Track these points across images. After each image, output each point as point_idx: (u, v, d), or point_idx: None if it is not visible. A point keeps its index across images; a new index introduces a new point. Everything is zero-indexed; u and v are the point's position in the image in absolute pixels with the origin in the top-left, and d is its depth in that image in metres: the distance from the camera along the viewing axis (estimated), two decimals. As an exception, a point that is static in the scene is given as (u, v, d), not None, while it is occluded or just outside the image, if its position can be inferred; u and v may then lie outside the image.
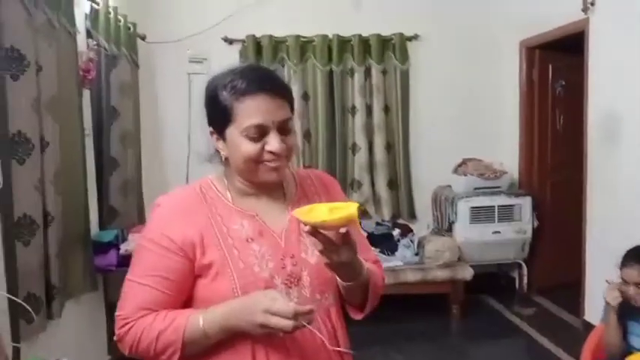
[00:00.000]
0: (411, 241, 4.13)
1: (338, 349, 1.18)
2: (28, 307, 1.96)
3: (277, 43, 4.36)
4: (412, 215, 4.63)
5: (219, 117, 1.13)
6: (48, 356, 2.14)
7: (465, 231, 4.22)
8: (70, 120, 2.61)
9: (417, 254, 4.03)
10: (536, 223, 4.32)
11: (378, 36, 4.42)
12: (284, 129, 1.12)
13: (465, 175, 4.36)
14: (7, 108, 2.00)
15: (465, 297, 4.01)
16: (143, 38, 3.93)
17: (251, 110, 1.09)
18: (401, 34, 4.45)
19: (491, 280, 4.57)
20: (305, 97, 4.40)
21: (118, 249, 2.93)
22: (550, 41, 4.08)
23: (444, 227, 4.36)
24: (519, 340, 3.74)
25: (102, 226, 3.15)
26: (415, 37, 4.52)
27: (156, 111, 4.31)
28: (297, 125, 4.15)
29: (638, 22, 3.10)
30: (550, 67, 4.41)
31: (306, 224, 1.02)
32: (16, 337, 2.00)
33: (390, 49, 4.48)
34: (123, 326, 1.11)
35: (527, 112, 4.44)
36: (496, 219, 4.25)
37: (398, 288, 3.74)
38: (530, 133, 4.45)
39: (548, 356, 3.43)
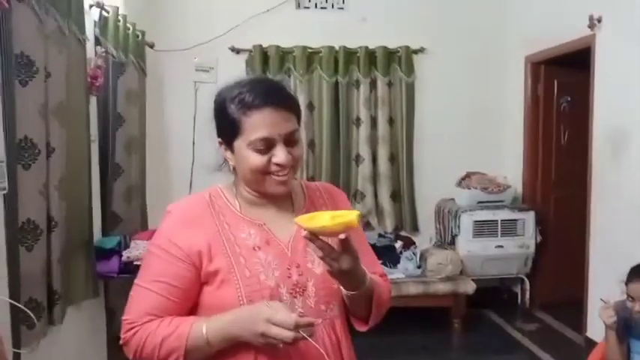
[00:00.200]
0: (413, 253, 4.12)
1: None
2: (29, 313, 1.95)
3: (284, 54, 4.38)
4: (415, 228, 4.62)
5: (227, 129, 1.15)
6: (48, 362, 2.13)
7: (468, 245, 4.21)
8: (77, 126, 2.62)
9: (419, 267, 4.02)
10: (539, 238, 4.31)
11: (385, 48, 4.44)
12: (290, 140, 1.14)
13: (469, 188, 4.35)
14: (15, 113, 2.01)
15: (467, 311, 3.99)
16: (151, 46, 3.96)
17: (258, 124, 1.11)
18: (407, 47, 4.47)
19: (494, 294, 4.55)
20: (310, 107, 4.41)
21: (121, 256, 2.92)
22: (556, 57, 4.09)
23: (447, 240, 4.35)
24: (521, 355, 3.71)
25: (105, 232, 3.15)
26: (421, 50, 4.54)
27: (162, 118, 4.34)
28: (302, 135, 4.15)
29: (645, 39, 3.12)
30: (555, 82, 4.42)
31: (305, 229, 1.03)
32: (17, 342, 2.00)
33: (395, 62, 4.50)
34: (128, 330, 1.13)
35: (531, 126, 4.44)
36: (499, 233, 4.24)
37: (399, 301, 3.72)
38: (535, 147, 4.45)
39: (550, 373, 3.42)
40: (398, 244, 4.22)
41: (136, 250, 2.95)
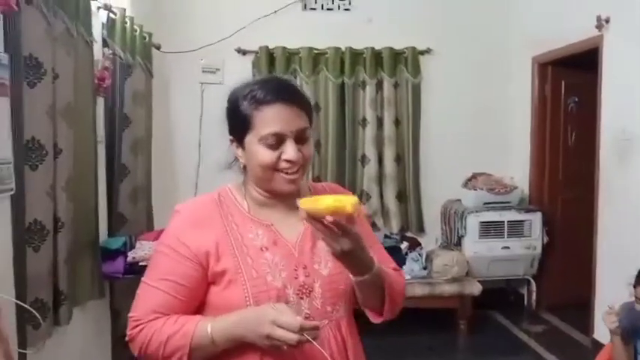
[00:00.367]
0: (419, 254, 4.11)
1: None
2: (35, 313, 1.96)
3: (290, 55, 4.39)
4: (421, 229, 4.61)
5: (239, 125, 1.16)
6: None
7: (474, 246, 4.20)
8: (84, 127, 2.63)
9: (425, 268, 4.01)
10: (546, 239, 4.29)
11: (391, 49, 4.43)
12: (301, 138, 1.15)
13: (475, 189, 4.34)
14: (23, 114, 2.02)
15: (473, 312, 3.98)
16: (158, 48, 3.98)
17: (269, 119, 1.12)
18: (413, 48, 4.47)
19: (500, 296, 4.53)
20: (316, 108, 4.41)
21: (126, 256, 2.93)
22: (563, 58, 4.07)
23: (453, 241, 4.34)
24: (527, 357, 3.69)
25: (110, 232, 3.16)
26: (427, 50, 4.53)
27: (168, 119, 4.35)
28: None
29: (652, 40, 3.10)
30: (563, 83, 4.40)
31: (306, 212, 1.02)
32: (22, 342, 2.01)
33: (402, 63, 4.49)
34: (134, 327, 1.14)
35: (538, 127, 4.42)
36: (506, 234, 4.22)
37: (405, 302, 3.67)
38: (542, 148, 4.43)
39: (557, 375, 3.40)
40: (404, 245, 4.22)
41: (141, 250, 2.96)
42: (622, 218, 3.41)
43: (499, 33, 4.58)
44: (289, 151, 1.12)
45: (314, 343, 1.04)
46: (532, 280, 4.44)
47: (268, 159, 1.13)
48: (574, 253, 4.19)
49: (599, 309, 3.61)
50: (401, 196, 4.55)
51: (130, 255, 2.93)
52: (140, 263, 2.84)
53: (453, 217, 4.36)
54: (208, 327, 1.09)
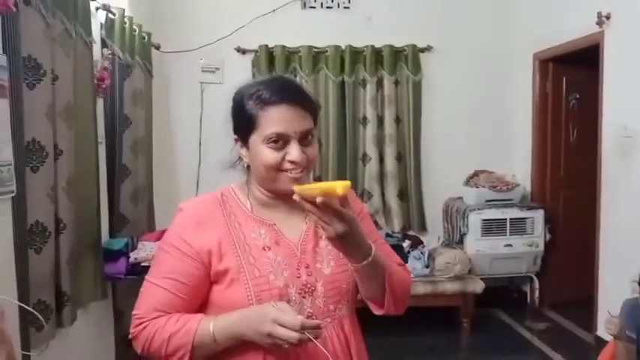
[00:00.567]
0: (421, 253, 4.11)
1: None
2: (38, 315, 1.96)
3: (290, 54, 4.38)
4: (423, 227, 4.60)
5: (244, 125, 1.16)
6: (57, 364, 2.14)
7: (476, 243, 4.19)
8: (85, 128, 2.62)
9: (427, 266, 4.01)
10: (548, 237, 4.28)
11: (391, 47, 4.42)
12: (305, 139, 1.15)
13: (477, 187, 4.33)
14: (23, 116, 2.01)
15: (476, 311, 3.97)
16: (157, 48, 3.97)
17: (274, 119, 1.12)
18: (413, 46, 4.45)
19: (503, 293, 4.52)
20: (316, 107, 4.40)
21: (128, 257, 2.93)
22: (564, 54, 4.06)
23: (455, 239, 4.33)
24: (531, 355, 3.69)
25: (112, 233, 3.15)
26: (428, 48, 4.52)
27: (168, 119, 4.35)
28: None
29: (654, 35, 3.09)
30: (564, 80, 4.39)
31: (299, 194, 1.04)
32: (26, 345, 2.00)
33: (402, 60, 4.48)
34: (138, 325, 1.15)
35: (540, 124, 4.42)
36: (508, 232, 4.22)
37: (409, 300, 3.70)
38: (543, 145, 4.42)
39: (560, 373, 3.40)
40: (406, 244, 4.21)
41: (143, 251, 2.96)
42: (624, 215, 3.41)
43: (500, 30, 4.56)
44: (293, 152, 1.12)
45: (315, 341, 1.04)
46: (535, 278, 4.44)
47: (272, 159, 1.13)
48: (576, 250, 4.19)
49: (602, 306, 3.61)
50: (402, 195, 4.54)
51: (132, 255, 2.93)
52: (142, 264, 2.83)
53: (454, 215, 4.36)
54: (210, 325, 1.10)
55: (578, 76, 4.32)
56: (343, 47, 4.39)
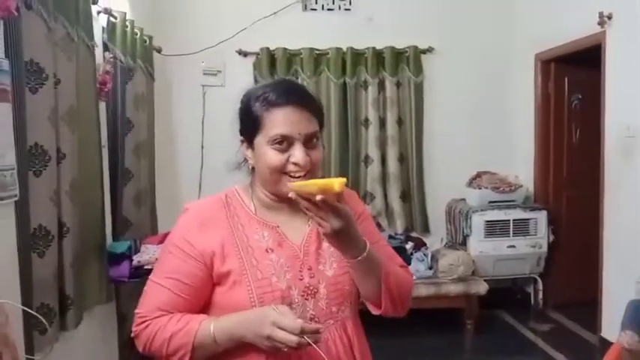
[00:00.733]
0: (424, 254, 4.10)
1: None
2: (41, 318, 1.96)
3: (291, 56, 4.38)
4: (426, 228, 4.59)
5: (249, 126, 1.17)
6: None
7: (480, 245, 4.18)
8: (88, 132, 2.63)
9: (430, 268, 4.00)
10: (551, 238, 4.27)
11: (392, 49, 4.42)
12: (310, 142, 1.16)
13: (480, 188, 4.33)
14: (25, 120, 2.02)
15: (480, 312, 3.96)
16: (159, 51, 3.98)
17: (278, 120, 1.13)
18: (415, 47, 4.45)
19: (506, 295, 4.51)
20: (318, 109, 4.40)
21: (131, 260, 2.93)
22: (566, 54, 4.06)
23: (458, 241, 4.32)
24: (535, 356, 3.67)
25: (115, 236, 3.16)
26: (429, 49, 4.52)
27: (170, 122, 4.35)
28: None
29: (656, 35, 3.08)
30: (566, 80, 4.38)
31: (295, 192, 1.05)
32: (30, 348, 2.00)
33: (403, 62, 4.48)
34: (140, 324, 1.16)
35: (542, 125, 4.41)
36: (511, 233, 4.21)
37: (411, 302, 3.69)
38: (546, 146, 4.41)
39: (565, 374, 3.38)
40: (409, 246, 4.20)
41: (146, 254, 2.96)
42: (628, 215, 3.39)
43: (501, 30, 4.56)
44: (297, 154, 1.13)
45: (314, 345, 1.04)
46: (538, 279, 4.42)
47: (276, 161, 1.13)
48: (580, 250, 4.18)
49: (606, 307, 3.60)
50: (405, 196, 4.54)
51: (135, 259, 2.93)
52: (145, 267, 2.83)
53: (457, 216, 4.35)
54: (211, 326, 1.11)
55: (580, 76, 4.31)
56: (344, 49, 4.39)
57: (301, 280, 1.17)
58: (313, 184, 1.05)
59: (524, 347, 3.80)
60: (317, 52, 4.39)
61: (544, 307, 4.42)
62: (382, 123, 4.48)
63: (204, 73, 4.36)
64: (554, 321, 4.21)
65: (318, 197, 1.02)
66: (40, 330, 2.06)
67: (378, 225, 4.40)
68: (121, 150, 3.24)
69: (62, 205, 2.28)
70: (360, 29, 4.44)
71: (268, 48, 4.33)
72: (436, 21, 4.53)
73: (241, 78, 4.20)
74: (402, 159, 4.53)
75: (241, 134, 1.21)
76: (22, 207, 2.00)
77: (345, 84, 4.42)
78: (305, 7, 4.46)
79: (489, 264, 4.19)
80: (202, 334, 1.10)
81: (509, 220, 4.20)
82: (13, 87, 1.92)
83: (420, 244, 4.28)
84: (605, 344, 3.17)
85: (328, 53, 4.39)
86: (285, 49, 4.35)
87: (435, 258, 4.04)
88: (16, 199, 1.95)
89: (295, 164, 1.13)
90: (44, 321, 1.99)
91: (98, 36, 2.94)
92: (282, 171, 1.14)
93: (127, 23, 3.23)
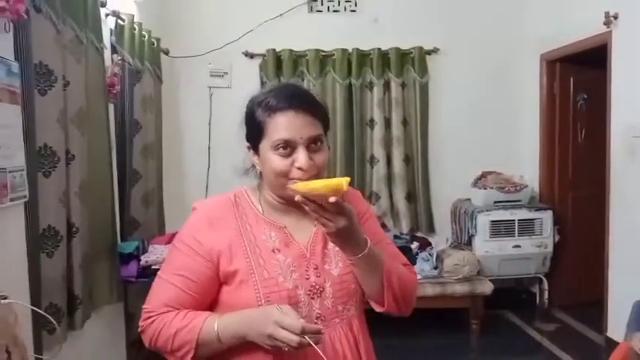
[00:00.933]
0: (429, 254, 4.11)
1: None
2: (50, 318, 1.98)
3: (297, 57, 4.40)
4: (431, 228, 4.60)
5: (254, 132, 1.19)
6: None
7: (485, 245, 4.19)
8: (97, 133, 2.65)
9: (435, 268, 4.01)
10: (557, 238, 4.26)
11: (398, 49, 4.43)
12: (314, 146, 1.16)
13: (485, 188, 4.33)
14: (35, 122, 2.04)
15: (485, 312, 3.96)
16: (167, 53, 4.01)
17: (280, 125, 1.14)
18: (420, 48, 4.46)
19: (512, 295, 4.51)
20: (324, 110, 4.41)
21: (139, 260, 2.96)
22: (571, 55, 4.05)
23: (464, 241, 4.33)
24: (540, 356, 3.67)
25: (123, 237, 3.19)
26: (435, 50, 4.52)
27: (177, 124, 4.38)
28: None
29: (662, 35, 3.07)
30: (572, 80, 4.37)
31: (301, 194, 1.06)
32: (38, 348, 2.03)
33: (409, 63, 4.49)
34: (146, 319, 1.18)
35: (548, 125, 4.40)
36: (516, 233, 4.21)
37: (416, 302, 3.69)
38: (552, 146, 4.41)
39: (571, 374, 3.38)
40: (414, 245, 4.21)
41: (154, 254, 2.99)
42: (633, 215, 3.39)
43: (506, 30, 4.55)
44: (300, 158, 1.13)
45: (315, 346, 1.05)
46: (544, 279, 4.42)
47: (280, 166, 1.14)
48: (586, 250, 4.17)
49: (612, 307, 3.59)
50: (410, 197, 4.54)
51: (143, 259, 2.96)
52: (153, 267, 2.86)
53: (463, 216, 4.35)
54: (215, 324, 1.12)
55: (586, 76, 4.31)
56: (350, 50, 4.41)
57: (307, 279, 1.18)
58: (318, 184, 1.06)
59: (530, 347, 3.80)
60: (323, 53, 4.40)
61: (549, 307, 4.41)
62: (387, 123, 4.49)
63: (210, 75, 4.39)
64: (559, 321, 4.21)
65: (332, 199, 1.03)
66: (48, 329, 2.08)
67: (384, 225, 4.42)
68: (129, 151, 3.27)
69: (71, 206, 2.31)
70: (366, 30, 4.46)
71: (274, 49, 4.36)
72: (441, 22, 4.53)
73: (248, 79, 4.23)
74: (408, 159, 4.53)
75: (247, 140, 1.23)
76: (31, 208, 2.03)
77: (350, 85, 4.44)
78: (311, 9, 4.48)
79: (495, 264, 4.19)
80: (206, 332, 1.12)
81: (514, 220, 4.20)
82: (22, 89, 1.95)
83: (425, 244, 4.28)
84: (611, 344, 3.17)
85: (334, 54, 4.41)
86: (291, 50, 4.37)
87: (440, 258, 4.05)
88: (25, 199, 1.98)
89: (299, 169, 1.14)
90: (53, 320, 2.01)
91: (106, 38, 2.97)
92: (287, 176, 1.15)
93: (135, 25, 3.26)
